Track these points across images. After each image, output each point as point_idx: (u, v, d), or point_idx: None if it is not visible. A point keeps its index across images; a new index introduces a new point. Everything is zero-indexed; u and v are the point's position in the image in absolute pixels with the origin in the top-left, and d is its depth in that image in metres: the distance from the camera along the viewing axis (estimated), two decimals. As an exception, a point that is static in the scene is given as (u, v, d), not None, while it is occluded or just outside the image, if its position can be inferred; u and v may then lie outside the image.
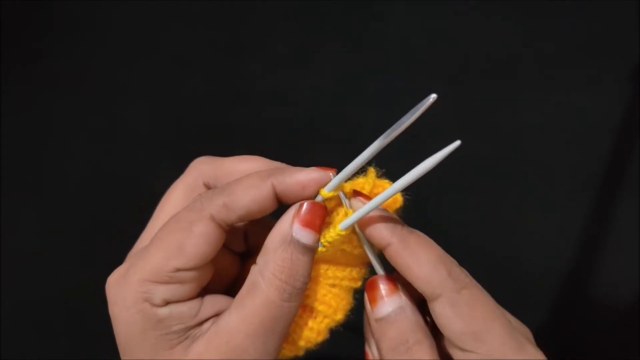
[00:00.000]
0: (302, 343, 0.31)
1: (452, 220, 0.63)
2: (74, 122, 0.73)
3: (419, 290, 0.27)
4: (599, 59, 0.65)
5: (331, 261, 0.31)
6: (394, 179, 0.29)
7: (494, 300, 0.28)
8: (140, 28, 0.75)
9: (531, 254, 0.61)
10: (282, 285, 0.27)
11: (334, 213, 0.29)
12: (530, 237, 0.62)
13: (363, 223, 0.28)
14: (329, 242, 0.28)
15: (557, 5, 0.66)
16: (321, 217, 0.28)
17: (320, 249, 0.28)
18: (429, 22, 0.70)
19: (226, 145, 0.69)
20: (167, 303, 0.27)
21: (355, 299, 0.33)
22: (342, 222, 0.27)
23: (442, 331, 0.28)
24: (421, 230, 0.29)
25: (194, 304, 0.28)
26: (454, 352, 0.28)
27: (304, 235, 0.27)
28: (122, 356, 0.28)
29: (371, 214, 0.27)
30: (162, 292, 0.27)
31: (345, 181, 0.28)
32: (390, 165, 0.30)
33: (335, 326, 0.32)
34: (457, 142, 0.23)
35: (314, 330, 0.32)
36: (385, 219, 0.28)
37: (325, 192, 0.27)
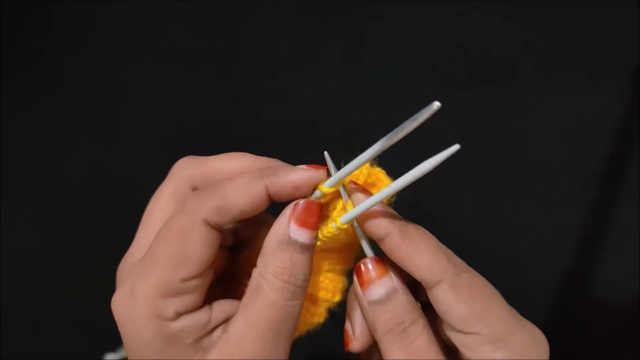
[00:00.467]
0: (304, 327, 0.32)
1: (452, 220, 0.64)
2: (74, 122, 0.73)
3: (419, 278, 0.28)
4: (599, 59, 0.65)
5: (325, 249, 0.31)
6: (392, 177, 0.29)
7: (489, 282, 0.29)
8: (140, 28, 0.75)
9: (531, 254, 0.61)
10: (284, 286, 0.27)
11: (331, 207, 0.29)
12: (530, 237, 0.62)
13: (362, 216, 0.28)
14: (327, 237, 0.28)
15: (557, 5, 0.66)
16: (317, 214, 0.28)
17: (317, 243, 0.28)
18: (429, 22, 0.69)
19: (226, 145, 0.69)
20: (178, 315, 0.27)
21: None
22: (343, 216, 0.28)
23: (443, 316, 0.28)
24: (421, 230, 0.29)
25: (204, 312, 0.28)
26: (455, 336, 0.28)
27: (301, 235, 0.27)
28: None
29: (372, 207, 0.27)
30: (173, 305, 0.26)
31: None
32: (389, 163, 0.30)
33: (334, 307, 0.33)
34: (457, 146, 0.23)
35: (316, 314, 0.32)
36: (383, 211, 0.28)
37: (326, 188, 0.28)
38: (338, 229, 0.28)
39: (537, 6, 0.67)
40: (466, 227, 0.63)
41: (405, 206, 0.30)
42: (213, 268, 0.29)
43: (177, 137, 0.70)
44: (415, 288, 0.30)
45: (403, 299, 0.28)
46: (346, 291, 0.33)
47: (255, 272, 0.28)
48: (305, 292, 0.28)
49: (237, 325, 0.27)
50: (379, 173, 0.30)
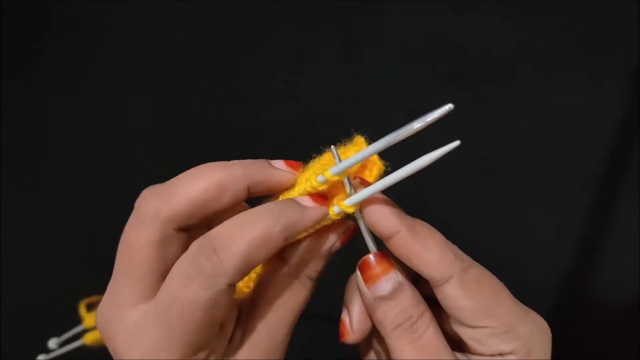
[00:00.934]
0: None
1: (452, 220, 0.63)
2: (74, 122, 0.73)
3: (427, 276, 0.28)
4: (599, 59, 0.65)
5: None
6: (391, 171, 0.29)
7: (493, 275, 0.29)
8: (141, 28, 0.75)
9: (531, 254, 0.61)
10: (313, 283, 0.29)
11: (335, 196, 0.29)
12: (530, 237, 0.62)
13: (369, 213, 0.28)
14: (326, 222, 0.28)
15: (557, 5, 0.66)
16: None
17: (324, 222, 0.28)
18: (429, 22, 0.70)
19: (226, 145, 0.69)
20: None
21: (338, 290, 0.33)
22: (348, 199, 0.28)
23: (451, 312, 0.28)
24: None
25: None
26: (463, 330, 0.28)
27: (338, 247, 0.29)
28: None
29: (377, 205, 0.28)
30: None
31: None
32: (389, 159, 0.30)
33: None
34: (457, 142, 0.23)
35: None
36: (390, 208, 0.28)
37: (331, 175, 0.27)
38: (340, 213, 0.28)
39: (537, 6, 0.67)
40: (466, 227, 0.63)
41: (404, 206, 0.30)
42: None
43: (177, 137, 0.70)
44: (416, 281, 0.30)
45: (409, 294, 0.28)
46: (344, 283, 0.33)
47: (289, 273, 0.29)
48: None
49: (270, 322, 0.28)
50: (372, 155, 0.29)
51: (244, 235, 0.24)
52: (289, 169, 0.28)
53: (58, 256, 0.67)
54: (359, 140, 0.29)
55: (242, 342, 0.27)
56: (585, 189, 0.61)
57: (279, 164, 0.28)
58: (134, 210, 0.26)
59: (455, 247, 0.29)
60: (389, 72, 0.68)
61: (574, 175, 0.62)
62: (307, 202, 0.27)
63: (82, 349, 0.57)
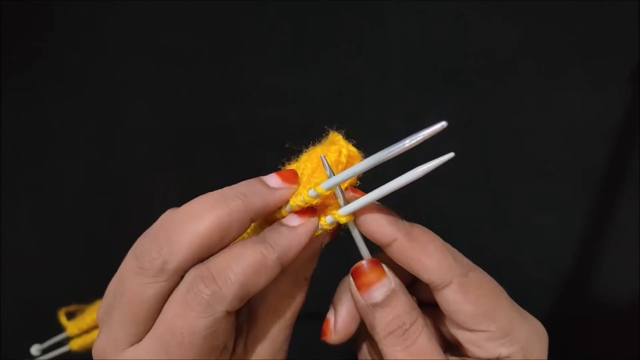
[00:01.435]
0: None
1: (452, 220, 0.64)
2: (73, 122, 0.73)
3: (427, 281, 0.28)
4: (598, 59, 0.65)
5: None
6: (390, 176, 0.29)
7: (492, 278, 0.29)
8: (141, 28, 0.75)
9: (531, 254, 0.61)
10: (307, 281, 0.30)
11: (328, 205, 0.29)
12: (530, 237, 0.62)
13: (365, 222, 0.28)
14: (322, 230, 0.29)
15: (557, 5, 0.66)
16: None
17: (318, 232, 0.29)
18: (429, 23, 0.69)
19: (226, 145, 0.69)
20: None
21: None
22: (342, 208, 0.28)
23: (451, 316, 0.28)
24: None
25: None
26: (461, 334, 0.28)
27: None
28: None
29: (373, 214, 0.28)
30: None
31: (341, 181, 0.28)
32: (385, 165, 0.30)
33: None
34: (451, 154, 0.23)
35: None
36: (387, 216, 0.28)
37: (323, 190, 0.27)
38: (332, 223, 0.28)
39: (537, 6, 0.67)
40: (466, 227, 0.63)
41: (404, 207, 0.30)
42: None
43: (177, 137, 0.70)
44: (411, 285, 0.30)
45: (402, 300, 0.28)
46: (336, 283, 0.33)
47: (287, 281, 0.29)
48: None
49: (271, 327, 0.29)
50: (336, 136, 0.30)
51: (241, 262, 0.24)
52: (285, 184, 0.28)
53: (58, 256, 0.67)
54: (336, 137, 0.29)
55: (245, 351, 0.28)
56: (585, 189, 0.61)
57: (275, 181, 0.28)
58: (135, 261, 0.25)
59: (455, 251, 0.29)
60: (389, 72, 0.68)
61: (574, 175, 0.62)
62: (295, 221, 0.27)
63: (68, 355, 0.57)
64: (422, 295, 0.30)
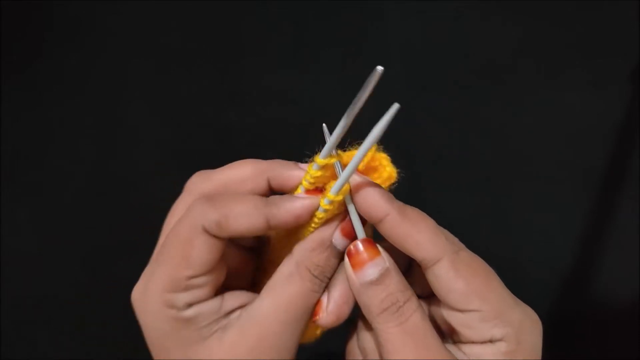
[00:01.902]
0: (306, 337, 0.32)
1: (452, 220, 0.63)
2: (74, 122, 0.73)
3: (419, 257, 0.28)
4: (598, 59, 0.65)
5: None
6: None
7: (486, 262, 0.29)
8: (141, 28, 0.75)
9: (531, 254, 0.61)
10: (314, 279, 0.29)
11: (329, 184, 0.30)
12: (530, 237, 0.62)
13: (360, 197, 0.29)
14: (320, 217, 0.29)
15: (557, 6, 0.66)
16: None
17: (316, 220, 0.29)
18: (429, 23, 0.70)
19: (226, 145, 0.69)
20: (189, 306, 0.28)
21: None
22: (333, 187, 0.28)
23: (442, 295, 0.28)
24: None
25: (216, 301, 0.29)
26: (453, 316, 0.28)
27: (342, 243, 0.30)
28: (157, 358, 0.30)
29: (368, 189, 0.28)
30: (183, 298, 0.28)
31: (341, 151, 0.30)
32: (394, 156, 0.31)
33: None
34: (396, 105, 0.26)
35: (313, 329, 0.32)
36: (381, 193, 0.28)
37: (321, 160, 0.29)
38: (331, 202, 0.28)
39: (537, 6, 0.67)
40: (466, 227, 0.63)
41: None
42: (225, 266, 0.30)
43: (177, 138, 0.70)
44: (405, 274, 0.31)
45: (396, 279, 0.28)
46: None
47: (289, 261, 0.30)
48: (325, 287, 0.30)
49: (262, 306, 0.29)
50: (383, 159, 0.31)
51: (236, 202, 0.28)
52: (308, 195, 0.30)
53: (58, 256, 0.67)
54: (382, 159, 0.30)
55: (237, 320, 0.29)
56: (585, 189, 0.61)
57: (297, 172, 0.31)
58: (190, 220, 0.28)
59: (447, 232, 0.29)
60: (389, 72, 0.68)
61: (574, 175, 0.62)
62: (299, 195, 0.30)
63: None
64: (415, 288, 0.30)
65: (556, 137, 0.64)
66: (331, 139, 0.28)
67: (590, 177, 0.62)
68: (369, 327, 0.30)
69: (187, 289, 0.28)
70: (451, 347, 0.29)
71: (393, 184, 0.30)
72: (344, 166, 0.29)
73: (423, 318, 0.28)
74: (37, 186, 0.71)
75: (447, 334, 0.30)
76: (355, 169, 0.28)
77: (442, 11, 0.69)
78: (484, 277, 0.28)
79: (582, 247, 0.60)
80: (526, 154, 0.64)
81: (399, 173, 0.31)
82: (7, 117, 0.73)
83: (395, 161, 0.31)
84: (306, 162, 0.31)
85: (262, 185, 0.31)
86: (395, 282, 0.28)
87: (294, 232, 0.31)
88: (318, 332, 0.33)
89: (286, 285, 0.29)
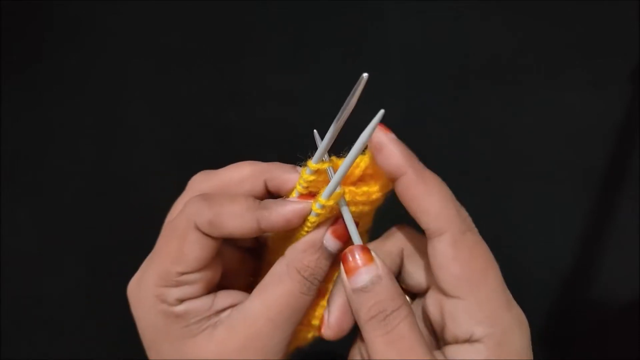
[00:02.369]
0: (315, 322, 0.32)
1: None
2: (73, 122, 0.73)
3: (424, 225, 0.28)
4: (599, 59, 0.65)
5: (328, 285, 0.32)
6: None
7: (490, 251, 0.28)
8: (141, 28, 0.75)
9: (531, 254, 0.61)
10: (303, 281, 0.29)
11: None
12: (530, 237, 0.62)
13: (379, 153, 0.28)
14: (313, 221, 0.29)
15: (557, 6, 0.66)
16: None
17: (308, 223, 0.29)
18: (429, 23, 0.70)
19: (226, 146, 0.69)
20: (181, 301, 0.29)
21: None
22: (323, 192, 0.28)
23: (436, 272, 0.28)
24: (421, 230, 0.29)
25: (207, 298, 0.29)
26: (443, 303, 0.28)
27: (333, 245, 0.30)
28: (149, 351, 0.30)
29: (388, 145, 0.28)
30: (174, 293, 0.28)
31: (336, 157, 0.30)
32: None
33: None
34: (382, 111, 0.26)
35: (303, 334, 0.32)
36: (402, 150, 0.28)
37: (313, 165, 0.29)
38: (322, 207, 0.28)
39: (537, 7, 0.67)
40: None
41: (402, 207, 0.30)
42: (220, 266, 0.30)
43: (177, 138, 0.70)
44: (399, 277, 0.31)
45: (387, 286, 0.28)
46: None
47: (281, 262, 0.30)
48: (316, 290, 0.30)
49: (252, 305, 0.29)
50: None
51: (230, 202, 0.29)
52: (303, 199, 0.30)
53: (58, 256, 0.67)
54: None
55: (227, 319, 0.29)
56: (585, 189, 0.61)
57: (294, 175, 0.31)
58: (185, 217, 0.29)
59: (461, 207, 0.29)
60: (389, 72, 0.68)
61: (574, 175, 0.62)
62: (292, 199, 0.30)
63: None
64: (409, 285, 0.30)
65: (556, 137, 0.64)
66: (322, 145, 0.28)
67: (590, 177, 0.62)
68: None
69: (178, 284, 0.28)
70: (439, 355, 0.28)
71: (389, 191, 0.30)
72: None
73: (411, 327, 0.27)
74: (37, 186, 0.71)
75: (438, 332, 0.29)
76: (344, 175, 0.27)
77: (442, 11, 0.69)
78: (482, 267, 0.27)
79: (582, 247, 0.60)
80: (526, 154, 0.64)
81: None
82: (7, 117, 0.73)
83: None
84: (300, 165, 0.31)
85: (259, 187, 0.31)
86: (386, 290, 0.28)
87: (291, 235, 0.31)
88: (310, 335, 0.32)
89: (276, 286, 0.29)
